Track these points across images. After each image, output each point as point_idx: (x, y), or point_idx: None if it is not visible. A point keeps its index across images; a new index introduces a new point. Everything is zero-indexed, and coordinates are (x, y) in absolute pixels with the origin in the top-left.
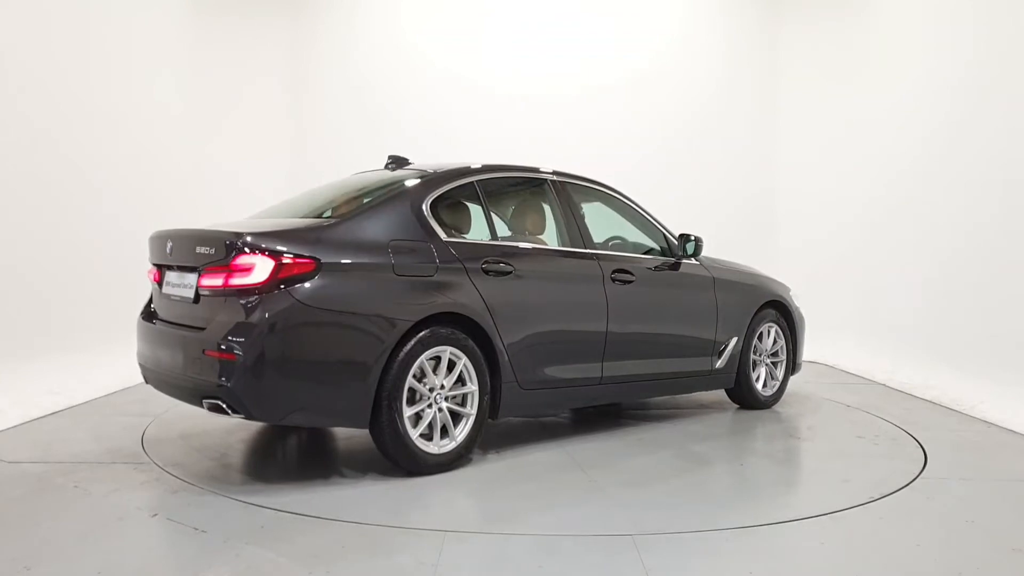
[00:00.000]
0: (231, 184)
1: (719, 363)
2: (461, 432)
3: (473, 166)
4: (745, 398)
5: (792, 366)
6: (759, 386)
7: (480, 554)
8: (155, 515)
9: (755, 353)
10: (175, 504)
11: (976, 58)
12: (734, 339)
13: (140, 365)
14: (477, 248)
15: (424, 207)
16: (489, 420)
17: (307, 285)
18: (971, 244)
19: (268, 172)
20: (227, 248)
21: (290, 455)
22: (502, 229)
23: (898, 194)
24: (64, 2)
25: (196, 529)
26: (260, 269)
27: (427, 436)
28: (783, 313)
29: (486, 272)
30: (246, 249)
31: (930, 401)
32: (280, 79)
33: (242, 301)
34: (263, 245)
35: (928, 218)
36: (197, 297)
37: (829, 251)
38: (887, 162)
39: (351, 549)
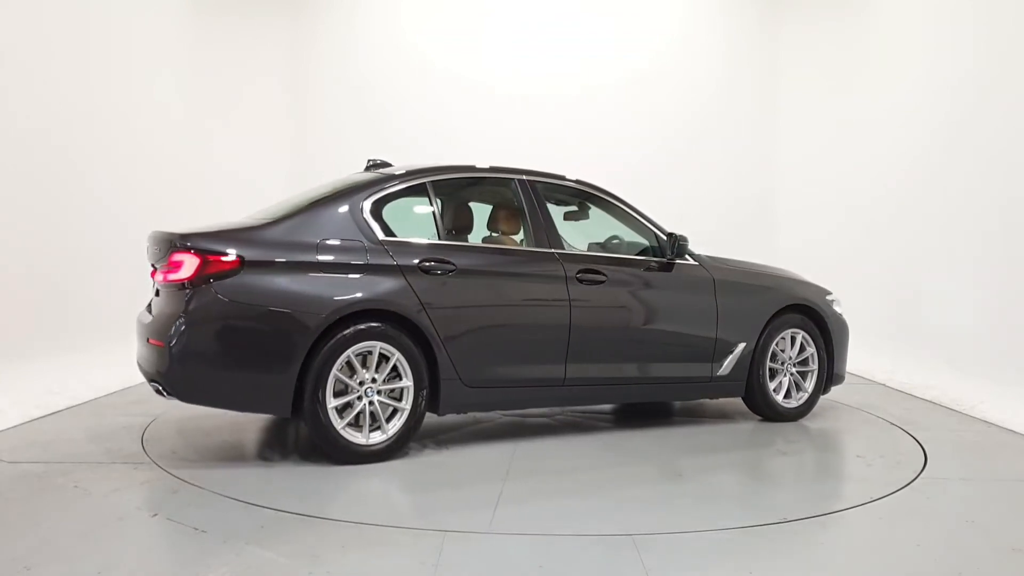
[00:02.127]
0: (232, 184)
1: (721, 370)
2: (394, 425)
3: (434, 167)
4: (762, 409)
5: (829, 377)
6: (779, 397)
7: (480, 554)
8: (155, 515)
9: (774, 361)
10: (175, 504)
11: (976, 58)
12: (740, 345)
13: (136, 360)
14: (415, 247)
15: (363, 208)
16: (437, 416)
17: (230, 280)
18: (971, 244)
19: (268, 172)
20: (167, 247)
21: (290, 455)
22: (460, 228)
23: (898, 194)
24: (64, 2)
25: (196, 529)
26: (188, 266)
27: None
28: (814, 319)
29: (424, 271)
30: (178, 248)
31: (930, 401)
32: (280, 79)
33: (174, 295)
34: (191, 244)
35: (928, 218)
36: (157, 292)
37: (829, 251)
38: (887, 162)
39: (351, 549)
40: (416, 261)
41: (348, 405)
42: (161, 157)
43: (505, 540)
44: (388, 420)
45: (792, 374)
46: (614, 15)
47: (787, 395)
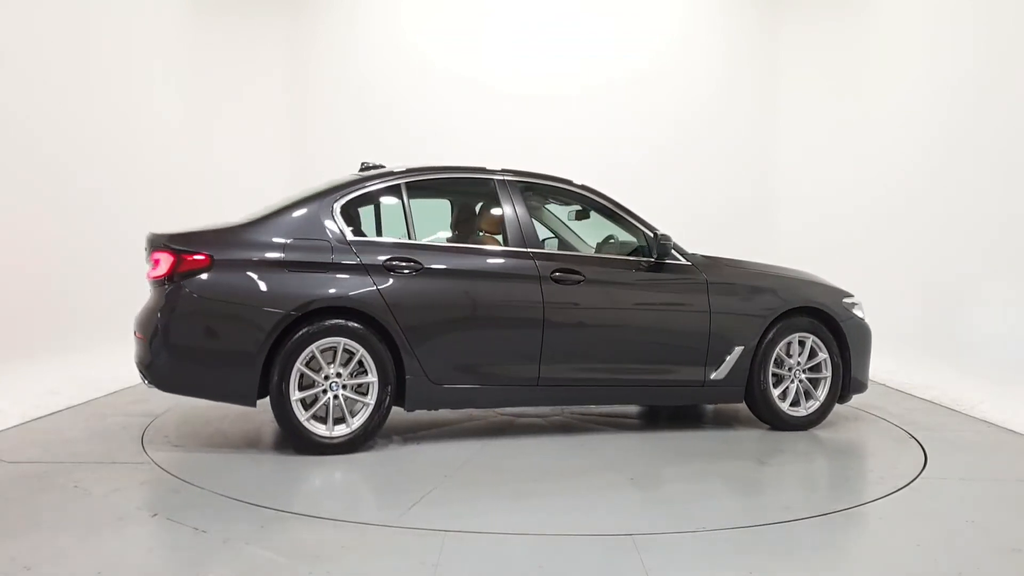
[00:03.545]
0: (231, 184)
1: (716, 374)
2: (358, 419)
3: (412, 168)
4: (766, 417)
5: (845, 385)
6: (784, 405)
7: (480, 554)
8: (155, 515)
9: (779, 366)
10: (175, 504)
11: (976, 58)
12: (737, 348)
13: None
14: (382, 246)
15: (333, 209)
16: (406, 412)
17: (200, 278)
18: (972, 244)
19: (268, 172)
20: (150, 246)
21: (292, 455)
22: (427, 228)
23: (898, 194)
24: (63, 3)
25: (196, 529)
26: (163, 264)
27: (330, 419)
28: (828, 323)
29: (389, 269)
30: (157, 247)
31: (930, 401)
32: (280, 79)
33: (156, 291)
34: (166, 244)
35: (928, 218)
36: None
37: (828, 252)
38: (887, 162)
39: (351, 549)
40: (382, 260)
41: (316, 398)
42: (161, 157)
43: (505, 540)
44: (355, 414)
45: (802, 381)
46: (614, 15)
47: (796, 403)
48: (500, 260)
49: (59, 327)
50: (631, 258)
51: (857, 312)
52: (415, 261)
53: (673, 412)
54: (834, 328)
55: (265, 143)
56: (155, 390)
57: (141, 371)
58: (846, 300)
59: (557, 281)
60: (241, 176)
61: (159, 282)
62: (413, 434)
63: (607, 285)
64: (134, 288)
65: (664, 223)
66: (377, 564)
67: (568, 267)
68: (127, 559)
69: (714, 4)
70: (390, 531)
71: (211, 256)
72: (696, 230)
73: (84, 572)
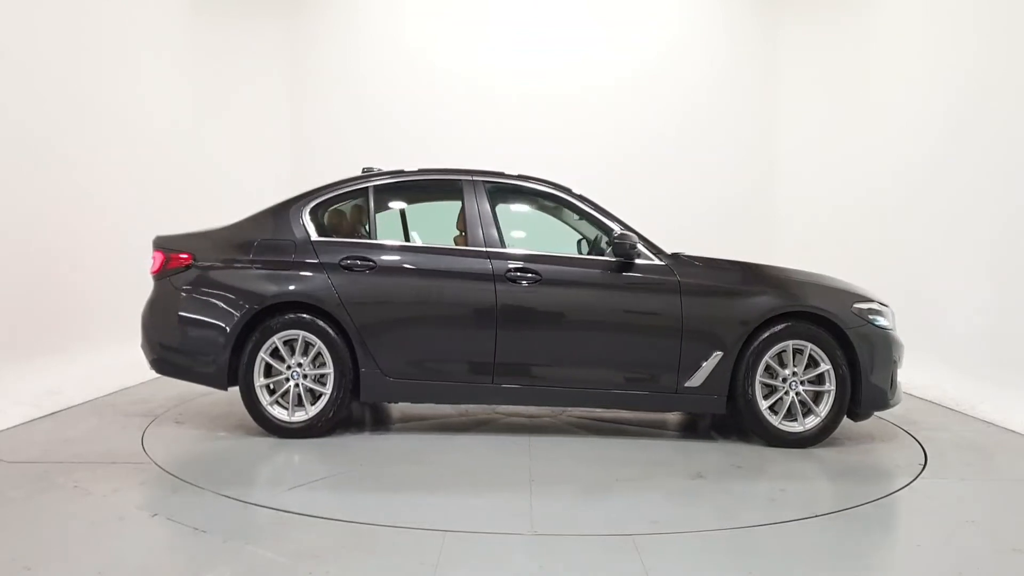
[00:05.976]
0: (231, 184)
1: (690, 381)
2: (315, 407)
3: (387, 171)
4: (756, 430)
5: (857, 400)
6: (776, 419)
7: (480, 554)
8: (155, 515)
9: (771, 376)
10: (175, 504)
11: (976, 58)
12: (715, 355)
13: None
14: (340, 246)
15: (302, 211)
16: (361, 401)
17: (183, 275)
18: (971, 244)
19: (268, 173)
20: (152, 246)
21: (292, 456)
22: (401, 229)
23: (898, 195)
24: (63, 3)
25: (196, 529)
26: (156, 262)
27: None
28: (834, 331)
29: (346, 268)
30: (155, 247)
31: (930, 401)
32: (280, 79)
33: (153, 285)
34: (159, 244)
35: (929, 218)
36: None
37: (828, 252)
38: (887, 163)
39: (351, 549)
40: (339, 259)
41: (281, 385)
42: (161, 157)
43: (505, 540)
44: (314, 403)
45: (799, 393)
46: (614, 15)
47: (788, 417)
48: (454, 259)
49: (59, 327)
50: (596, 257)
51: (877, 319)
52: (370, 260)
53: (718, 420)
54: (841, 336)
55: (265, 143)
56: (157, 379)
57: (144, 354)
58: (859, 305)
59: (512, 280)
60: (241, 176)
61: (155, 277)
62: (392, 424)
63: (566, 285)
64: (135, 288)
65: (664, 222)
66: (377, 564)
67: (525, 267)
68: (127, 559)
69: (714, 4)
70: (390, 531)
71: (193, 255)
72: (696, 230)
73: (84, 572)
